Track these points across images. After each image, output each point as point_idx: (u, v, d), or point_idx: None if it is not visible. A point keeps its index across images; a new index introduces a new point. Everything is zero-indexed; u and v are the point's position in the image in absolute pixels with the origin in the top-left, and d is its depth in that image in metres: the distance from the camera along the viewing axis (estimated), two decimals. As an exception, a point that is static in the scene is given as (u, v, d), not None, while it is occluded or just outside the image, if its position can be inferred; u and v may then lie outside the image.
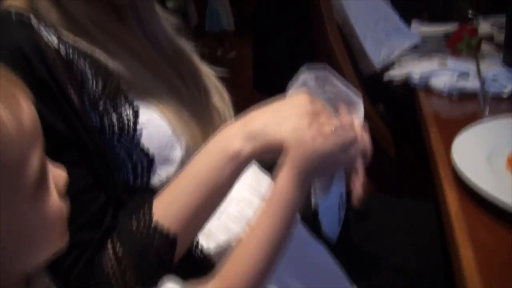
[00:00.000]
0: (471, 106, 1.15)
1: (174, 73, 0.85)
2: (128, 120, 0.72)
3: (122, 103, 0.72)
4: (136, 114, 0.72)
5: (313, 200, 0.76)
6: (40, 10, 0.71)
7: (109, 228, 0.68)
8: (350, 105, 0.75)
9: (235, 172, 0.66)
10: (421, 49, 1.61)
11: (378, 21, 1.65)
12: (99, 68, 0.71)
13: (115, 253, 0.66)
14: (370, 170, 1.99)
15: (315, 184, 0.75)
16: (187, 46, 0.95)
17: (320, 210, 0.76)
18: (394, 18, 1.72)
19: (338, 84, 0.75)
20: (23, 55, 0.65)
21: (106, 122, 0.71)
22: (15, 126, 0.45)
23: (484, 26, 1.76)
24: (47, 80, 0.65)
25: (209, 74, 0.96)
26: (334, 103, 0.75)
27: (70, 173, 0.58)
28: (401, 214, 1.06)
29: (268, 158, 0.67)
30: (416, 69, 1.29)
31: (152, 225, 0.66)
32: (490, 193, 0.73)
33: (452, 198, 0.79)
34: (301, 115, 0.64)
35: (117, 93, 0.72)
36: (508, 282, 0.62)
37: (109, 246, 0.66)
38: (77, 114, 0.67)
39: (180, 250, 0.67)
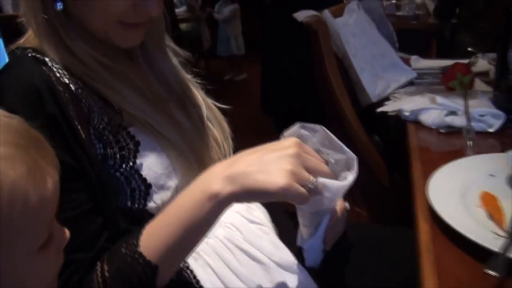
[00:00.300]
0: (457, 142, 1.20)
1: (178, 106, 0.93)
2: (129, 152, 0.80)
3: (124, 137, 0.80)
4: (136, 148, 0.80)
5: (298, 241, 0.84)
6: (48, 51, 0.79)
7: (101, 250, 0.73)
8: (344, 161, 0.77)
9: (214, 212, 0.67)
10: (417, 84, 1.67)
11: (376, 56, 1.72)
12: (104, 104, 0.80)
13: (102, 274, 0.70)
14: (365, 198, 2.04)
15: (301, 227, 0.82)
16: (193, 81, 1.02)
17: (305, 249, 0.82)
18: (391, 54, 1.79)
19: (334, 139, 0.77)
20: (36, 91, 0.73)
21: (109, 152, 0.78)
22: (37, 201, 0.51)
23: (483, 63, 1.82)
24: (56, 115, 0.73)
25: (212, 106, 1.02)
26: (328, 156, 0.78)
27: (71, 199, 0.72)
28: (384, 242, 1.10)
29: (251, 202, 0.74)
30: (407, 105, 1.35)
31: (136, 254, 0.69)
32: (458, 226, 0.78)
33: (423, 230, 0.84)
34: (284, 158, 0.66)
35: (120, 127, 0.80)
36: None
37: (99, 267, 0.71)
38: (82, 145, 0.75)
39: (164, 276, 0.71)
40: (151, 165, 0.80)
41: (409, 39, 2.89)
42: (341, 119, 1.70)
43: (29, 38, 0.83)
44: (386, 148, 1.74)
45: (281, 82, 3.16)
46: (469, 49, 2.02)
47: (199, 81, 1.05)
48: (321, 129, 0.77)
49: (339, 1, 2.13)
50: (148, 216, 0.78)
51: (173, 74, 0.97)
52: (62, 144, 0.72)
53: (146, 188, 0.80)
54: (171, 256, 0.70)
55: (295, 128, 0.78)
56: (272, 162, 0.66)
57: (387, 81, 1.69)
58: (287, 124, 2.45)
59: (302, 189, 0.65)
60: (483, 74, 1.68)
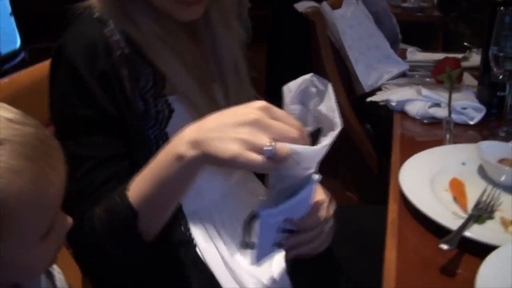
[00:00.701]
0: (438, 132, 1.27)
1: (222, 89, 0.99)
2: (163, 118, 0.90)
3: (162, 103, 0.90)
4: (169, 115, 0.90)
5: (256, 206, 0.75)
6: (109, 15, 0.88)
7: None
8: (329, 125, 0.73)
9: (182, 173, 0.70)
10: (409, 76, 1.74)
11: (371, 47, 1.79)
12: (152, 71, 0.89)
13: (99, 209, 0.79)
14: (355, 183, 2.11)
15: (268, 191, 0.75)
16: (245, 69, 1.03)
17: (258, 216, 0.71)
18: (386, 46, 1.85)
19: (331, 100, 0.72)
20: (93, 47, 0.84)
21: (147, 112, 0.89)
22: (38, 206, 0.58)
23: (476, 58, 1.87)
24: (108, 71, 0.84)
25: (252, 97, 1.04)
26: (314, 117, 0.75)
27: (108, 142, 0.85)
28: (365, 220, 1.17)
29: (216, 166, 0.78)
30: (394, 95, 1.42)
31: (124, 197, 0.76)
32: (421, 205, 0.86)
33: (391, 208, 0.92)
34: (242, 125, 0.65)
35: (160, 94, 0.90)
36: (420, 282, 0.75)
37: (102, 203, 0.79)
38: (127, 100, 0.86)
39: (145, 225, 0.77)
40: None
41: (415, 31, 2.93)
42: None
43: (92, 2, 0.90)
44: (377, 136, 1.81)
45: (285, 69, 3.21)
46: (465, 43, 2.07)
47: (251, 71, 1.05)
48: (327, 88, 0.72)
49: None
50: None
51: (230, 56, 0.99)
52: (109, 97, 0.84)
53: None
54: (149, 207, 0.76)
55: (302, 80, 0.73)
56: (230, 129, 0.65)
57: (380, 72, 1.76)
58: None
59: (255, 157, 0.63)
60: (475, 69, 1.73)
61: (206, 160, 0.67)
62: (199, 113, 0.84)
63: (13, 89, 1.00)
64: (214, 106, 0.90)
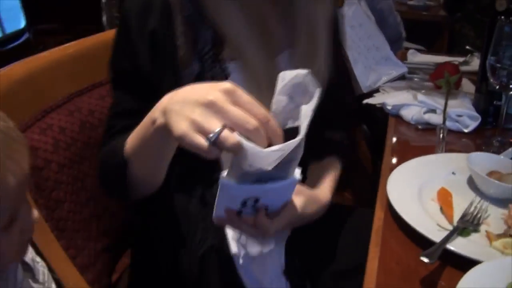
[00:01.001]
0: (432, 139, 1.26)
1: (290, 59, 0.96)
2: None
3: (218, 66, 0.90)
4: (225, 79, 0.89)
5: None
6: None
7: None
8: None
9: (155, 136, 0.74)
10: (408, 79, 1.73)
11: (370, 48, 1.78)
12: (213, 34, 0.89)
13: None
14: (350, 182, 2.12)
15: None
16: (325, 38, 0.97)
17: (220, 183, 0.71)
18: (385, 48, 1.84)
19: (312, 106, 0.70)
20: (149, 7, 0.87)
21: (202, 75, 0.89)
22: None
23: (477, 62, 1.85)
24: (159, 31, 0.86)
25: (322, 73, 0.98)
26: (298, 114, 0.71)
27: (136, 96, 0.91)
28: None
29: None
30: (391, 99, 1.41)
31: (122, 145, 0.85)
32: (406, 215, 0.86)
33: (377, 216, 0.92)
34: (198, 104, 0.63)
35: (218, 58, 0.90)
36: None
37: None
38: (176, 62, 0.87)
39: (134, 176, 0.86)
40: None
41: (420, 29, 2.91)
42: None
43: None
44: (372, 137, 1.81)
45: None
46: (467, 47, 2.05)
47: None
48: (315, 92, 0.70)
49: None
50: None
51: (307, 23, 0.95)
52: (152, 56, 0.88)
53: None
54: (136, 160, 0.84)
55: (297, 73, 0.70)
56: (188, 106, 0.64)
57: (378, 73, 1.75)
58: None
59: (200, 140, 0.61)
60: (475, 74, 1.71)
61: (166, 130, 0.67)
62: (256, 83, 0.85)
63: (9, 80, 1.00)
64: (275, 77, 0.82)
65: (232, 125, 0.61)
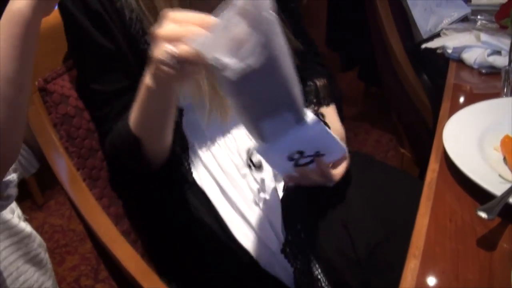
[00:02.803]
0: (497, 84, 1.13)
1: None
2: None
3: (143, 42, 0.89)
4: None
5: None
6: None
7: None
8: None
9: (151, 97, 0.77)
10: (471, 21, 1.57)
11: (429, -11, 1.63)
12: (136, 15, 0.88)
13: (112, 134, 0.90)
14: (410, 139, 1.99)
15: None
16: None
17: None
18: (446, -13, 1.67)
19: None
20: None
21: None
22: None
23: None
24: (101, 11, 0.85)
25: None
26: None
27: (111, 76, 0.89)
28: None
29: None
30: (451, 42, 1.28)
31: (127, 123, 0.85)
32: (463, 165, 0.76)
33: (431, 168, 0.83)
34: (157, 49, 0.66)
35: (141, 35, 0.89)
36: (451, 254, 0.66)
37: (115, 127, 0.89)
38: (125, 37, 0.88)
39: (147, 147, 0.87)
40: None
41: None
42: (389, 55, 1.64)
43: None
44: (434, 89, 1.67)
45: (346, 18, 3.08)
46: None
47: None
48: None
49: None
50: None
51: None
52: (106, 35, 0.87)
53: None
54: (143, 129, 0.84)
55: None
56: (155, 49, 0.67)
57: (439, 16, 1.60)
58: (352, 61, 2.36)
59: (166, 69, 0.65)
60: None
61: (160, 86, 0.74)
62: None
63: (43, 27, 0.97)
64: None
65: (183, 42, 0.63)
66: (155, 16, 0.86)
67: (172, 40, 0.64)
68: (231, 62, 0.60)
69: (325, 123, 1.01)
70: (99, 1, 0.85)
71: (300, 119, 0.73)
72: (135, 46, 0.88)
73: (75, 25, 0.87)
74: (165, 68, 0.65)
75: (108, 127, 0.92)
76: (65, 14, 0.88)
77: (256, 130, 0.75)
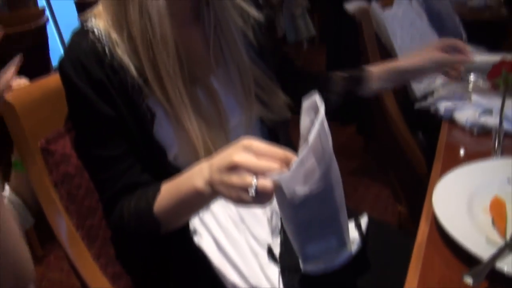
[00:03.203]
0: (488, 143, 1.16)
1: (218, 76, 1.01)
2: (147, 121, 0.93)
3: (144, 107, 0.92)
4: (152, 119, 0.93)
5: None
6: (105, 22, 0.93)
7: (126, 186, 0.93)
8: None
9: (198, 200, 0.83)
10: (463, 80, 1.61)
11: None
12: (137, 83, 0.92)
13: (128, 208, 0.91)
14: (406, 196, 1.99)
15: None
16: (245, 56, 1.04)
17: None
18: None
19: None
20: (85, 60, 0.89)
21: (136, 114, 0.93)
22: None
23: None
24: (103, 79, 0.89)
25: (262, 81, 1.06)
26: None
27: (113, 142, 0.92)
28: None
29: None
30: (443, 101, 1.32)
31: (150, 209, 0.89)
32: (452, 228, 0.78)
33: (421, 229, 0.84)
34: (231, 169, 0.73)
35: (140, 98, 0.92)
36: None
37: (128, 202, 0.92)
38: (121, 101, 0.91)
39: (165, 229, 0.91)
40: (160, 133, 0.94)
41: (482, 31, 2.76)
42: (384, 113, 1.68)
43: (97, 9, 0.96)
44: (429, 146, 1.70)
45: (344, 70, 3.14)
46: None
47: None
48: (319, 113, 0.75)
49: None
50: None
51: (232, 40, 1.01)
52: (108, 102, 0.90)
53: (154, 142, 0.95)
54: (169, 218, 0.89)
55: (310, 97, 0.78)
56: (224, 174, 0.74)
57: (433, 75, 1.64)
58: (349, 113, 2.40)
59: (246, 198, 0.71)
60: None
61: (217, 196, 0.79)
62: (176, 119, 0.92)
63: (42, 91, 1.01)
64: (197, 108, 0.94)
65: (261, 174, 0.70)
66: (158, 82, 0.90)
67: (255, 172, 0.70)
68: (300, 190, 0.71)
69: None
70: (102, 70, 0.89)
71: (343, 244, 0.83)
72: (136, 111, 0.92)
73: (77, 94, 0.90)
74: (243, 195, 0.71)
75: (111, 193, 0.93)
76: (67, 82, 0.92)
77: (301, 251, 0.84)
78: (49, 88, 1.01)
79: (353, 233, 0.98)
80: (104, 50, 0.90)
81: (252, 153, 0.72)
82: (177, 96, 0.91)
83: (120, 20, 0.90)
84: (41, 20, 2.68)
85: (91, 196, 1.03)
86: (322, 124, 0.70)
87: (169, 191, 0.87)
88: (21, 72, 1.11)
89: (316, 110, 0.75)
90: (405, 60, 1.26)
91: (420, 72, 1.28)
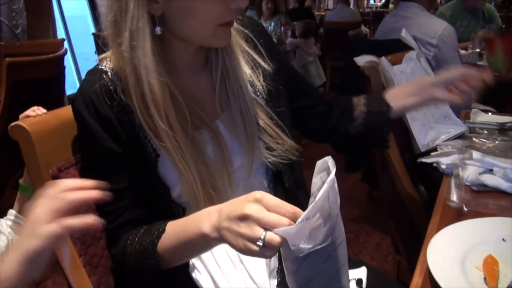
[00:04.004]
0: (488, 201, 1.18)
1: (226, 122, 1.05)
2: (151, 160, 0.98)
3: (149, 147, 0.97)
4: (156, 160, 0.98)
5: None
6: (116, 66, 0.97)
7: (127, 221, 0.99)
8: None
9: (204, 244, 0.85)
10: (467, 138, 1.64)
11: (429, 106, 1.72)
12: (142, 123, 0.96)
13: (132, 243, 0.96)
14: (406, 247, 1.99)
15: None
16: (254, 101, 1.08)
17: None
18: (445, 105, 1.77)
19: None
20: (96, 98, 0.95)
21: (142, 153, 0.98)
22: None
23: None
24: (111, 117, 0.95)
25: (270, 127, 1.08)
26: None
27: (117, 176, 0.97)
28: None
29: None
30: (445, 158, 1.35)
31: (154, 248, 0.92)
32: (444, 282, 0.79)
33: (414, 283, 0.86)
34: (240, 219, 0.75)
35: (146, 138, 0.97)
36: None
37: (133, 237, 0.96)
38: (127, 140, 0.96)
39: (166, 266, 0.94)
40: (164, 173, 0.99)
41: (491, 91, 2.80)
42: (387, 165, 1.71)
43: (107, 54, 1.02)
44: (430, 200, 1.72)
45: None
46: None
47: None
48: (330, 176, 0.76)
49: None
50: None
51: (239, 86, 1.05)
52: (115, 139, 0.96)
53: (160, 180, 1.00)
54: (172, 257, 0.93)
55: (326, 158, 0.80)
56: (234, 222, 0.76)
57: (437, 132, 1.69)
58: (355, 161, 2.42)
59: (253, 248, 0.73)
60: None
61: (223, 243, 0.80)
62: (181, 166, 0.95)
63: (57, 121, 1.05)
64: (200, 158, 0.98)
65: (270, 228, 0.72)
66: (154, 132, 0.95)
67: (264, 225, 0.73)
68: (304, 245, 0.74)
69: None
70: (111, 109, 0.95)
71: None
72: (142, 150, 0.97)
73: (86, 129, 0.96)
74: (249, 245, 0.74)
75: (114, 225, 0.98)
76: (78, 118, 0.97)
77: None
78: (64, 118, 1.05)
79: None
80: (116, 91, 0.95)
81: (262, 206, 0.74)
82: (174, 145, 0.95)
83: (122, 68, 0.96)
84: (60, 50, 2.74)
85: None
86: (332, 185, 0.73)
87: (174, 231, 0.91)
88: (36, 99, 1.16)
89: (328, 171, 0.78)
90: (405, 94, 1.26)
91: (415, 108, 1.30)
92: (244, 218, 0.74)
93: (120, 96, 0.95)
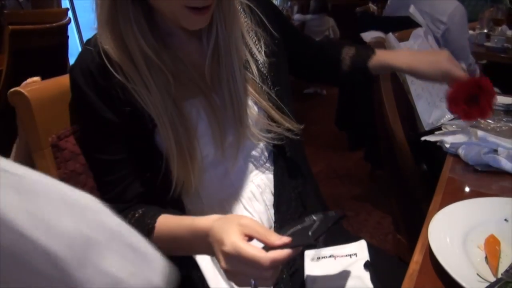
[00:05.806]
0: (490, 181, 1.17)
1: (217, 97, 1.03)
2: (147, 130, 0.97)
3: (147, 117, 0.96)
4: (153, 129, 0.97)
5: None
6: (105, 40, 0.95)
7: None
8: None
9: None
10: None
11: (435, 84, 1.70)
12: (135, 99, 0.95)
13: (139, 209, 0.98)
14: (406, 226, 1.99)
15: None
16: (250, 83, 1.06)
17: None
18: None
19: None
20: (90, 69, 0.95)
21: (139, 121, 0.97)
22: None
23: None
24: (106, 87, 0.94)
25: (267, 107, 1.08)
26: None
27: (116, 146, 0.97)
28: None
29: None
30: (449, 137, 1.33)
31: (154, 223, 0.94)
32: (445, 261, 0.79)
33: (414, 260, 0.85)
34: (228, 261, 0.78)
35: (144, 110, 0.96)
36: None
37: (132, 214, 0.97)
38: (125, 109, 0.95)
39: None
40: (160, 143, 0.98)
41: (498, 72, 2.78)
42: (391, 143, 1.69)
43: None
44: (432, 179, 1.71)
45: (355, 101, 3.17)
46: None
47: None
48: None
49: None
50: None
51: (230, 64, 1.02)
52: (111, 108, 0.95)
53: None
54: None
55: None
56: (227, 266, 0.78)
57: (442, 110, 1.66)
58: (357, 139, 2.44)
59: (243, 283, 0.78)
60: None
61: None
62: (167, 136, 0.95)
63: (58, 89, 1.04)
64: (188, 127, 0.98)
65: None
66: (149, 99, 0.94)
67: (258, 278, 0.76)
68: None
69: None
70: (110, 81, 0.93)
71: None
72: (139, 120, 0.96)
73: (83, 99, 0.95)
74: (244, 282, 0.78)
75: (110, 196, 0.98)
76: (75, 88, 0.96)
77: None
78: (65, 86, 1.04)
79: (361, 272, 0.98)
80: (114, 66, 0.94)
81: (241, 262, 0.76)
82: (158, 113, 0.95)
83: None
84: (63, 20, 2.72)
85: (95, 195, 1.05)
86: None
87: (172, 239, 0.92)
88: (38, 68, 1.14)
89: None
90: (412, 59, 1.24)
91: (423, 77, 1.26)
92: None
93: (119, 65, 0.94)
